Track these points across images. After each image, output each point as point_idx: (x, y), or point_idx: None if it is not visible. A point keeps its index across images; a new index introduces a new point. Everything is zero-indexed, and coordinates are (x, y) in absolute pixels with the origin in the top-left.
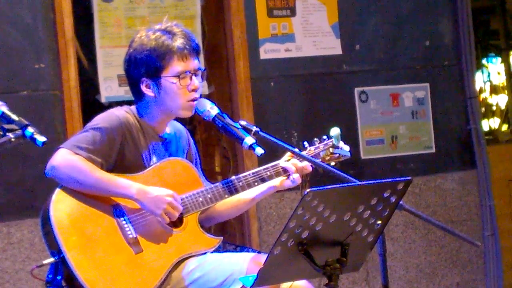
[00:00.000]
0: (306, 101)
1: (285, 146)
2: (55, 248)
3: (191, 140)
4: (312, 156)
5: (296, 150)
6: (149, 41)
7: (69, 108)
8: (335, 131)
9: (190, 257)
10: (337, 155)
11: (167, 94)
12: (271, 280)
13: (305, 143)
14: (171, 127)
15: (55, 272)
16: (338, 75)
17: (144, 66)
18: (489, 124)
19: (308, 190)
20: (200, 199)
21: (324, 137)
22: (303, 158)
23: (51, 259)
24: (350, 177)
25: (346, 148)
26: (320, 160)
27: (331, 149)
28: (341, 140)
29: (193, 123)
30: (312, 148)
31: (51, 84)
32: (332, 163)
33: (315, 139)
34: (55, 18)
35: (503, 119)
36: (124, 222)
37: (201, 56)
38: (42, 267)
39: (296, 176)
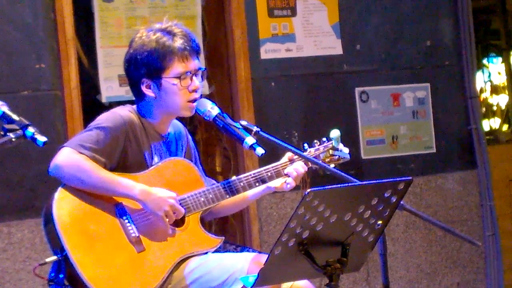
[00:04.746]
0: (306, 101)
1: (286, 146)
2: (57, 246)
3: (190, 137)
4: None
5: (297, 150)
6: (150, 42)
7: (69, 108)
8: (335, 133)
9: (192, 256)
10: (337, 157)
11: (168, 94)
12: (272, 280)
13: (305, 144)
14: (171, 126)
15: (57, 270)
16: (338, 75)
17: (144, 67)
18: (490, 124)
19: (308, 190)
20: (202, 199)
21: (324, 139)
22: (304, 158)
23: (54, 257)
24: (350, 177)
25: (346, 150)
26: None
27: (330, 151)
28: (341, 141)
29: (194, 123)
30: (312, 149)
31: (51, 84)
32: (332, 165)
33: (315, 140)
34: (56, 18)
35: (503, 119)
36: (126, 221)
37: (202, 56)
38: (43, 266)
39: (290, 181)
